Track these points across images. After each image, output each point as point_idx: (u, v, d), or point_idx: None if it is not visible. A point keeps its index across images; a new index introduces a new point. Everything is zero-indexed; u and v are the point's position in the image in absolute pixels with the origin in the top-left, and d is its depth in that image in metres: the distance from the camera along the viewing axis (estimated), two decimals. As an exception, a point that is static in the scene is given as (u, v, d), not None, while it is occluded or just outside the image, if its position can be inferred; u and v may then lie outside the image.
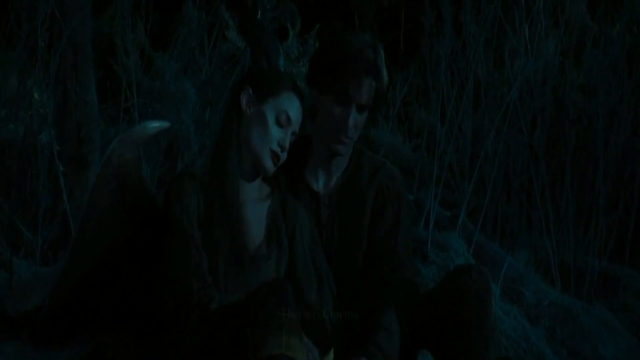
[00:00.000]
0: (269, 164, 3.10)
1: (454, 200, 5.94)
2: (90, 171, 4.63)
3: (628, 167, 5.91)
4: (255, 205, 3.14)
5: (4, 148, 5.09)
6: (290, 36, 6.78)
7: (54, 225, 4.66)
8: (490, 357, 2.99)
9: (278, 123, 3.10)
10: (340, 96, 3.18)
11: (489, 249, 5.21)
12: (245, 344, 2.75)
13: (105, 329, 3.06)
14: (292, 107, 3.13)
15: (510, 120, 5.50)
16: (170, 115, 5.31)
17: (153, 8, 5.78)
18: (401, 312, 3.09)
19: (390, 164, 3.34)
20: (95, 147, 4.71)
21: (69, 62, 4.66)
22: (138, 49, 5.33)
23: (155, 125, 3.11)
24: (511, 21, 5.76)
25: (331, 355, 3.01)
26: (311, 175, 3.28)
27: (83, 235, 3.03)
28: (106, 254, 3.03)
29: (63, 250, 4.51)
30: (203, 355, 2.85)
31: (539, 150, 5.71)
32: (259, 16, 3.41)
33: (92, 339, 3.04)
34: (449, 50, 5.64)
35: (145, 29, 5.68)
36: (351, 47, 3.20)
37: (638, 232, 5.79)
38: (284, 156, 3.11)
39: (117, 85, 5.20)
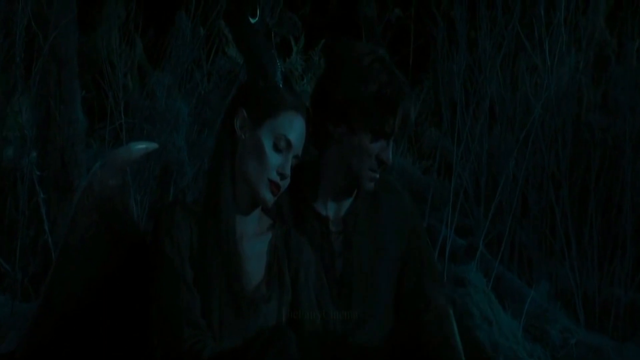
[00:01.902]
0: (267, 196, 2.90)
1: (468, 226, 5.89)
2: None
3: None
4: (254, 240, 2.96)
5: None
6: (294, 52, 6.80)
7: (35, 258, 4.59)
8: None
9: (276, 149, 2.91)
10: (379, 131, 3.02)
11: (509, 282, 5.14)
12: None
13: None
14: (292, 130, 2.92)
15: (529, 142, 5.44)
16: (162, 137, 5.19)
17: (144, 20, 5.74)
18: None
19: (399, 187, 3.23)
20: (82, 172, 4.63)
21: (53, 78, 4.59)
22: (127, 63, 5.13)
23: (141, 147, 2.96)
24: (526, 32, 5.73)
25: None
26: (320, 204, 3.12)
27: (61, 270, 2.91)
28: (87, 292, 2.90)
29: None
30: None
31: (560, 173, 5.66)
32: (254, 20, 3.11)
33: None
34: (463, 67, 5.58)
35: (135, 38, 5.51)
36: (397, 76, 3.04)
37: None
38: (284, 184, 2.92)
39: (107, 104, 5.16)
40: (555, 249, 5.65)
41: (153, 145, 2.99)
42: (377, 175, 3.05)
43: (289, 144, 2.89)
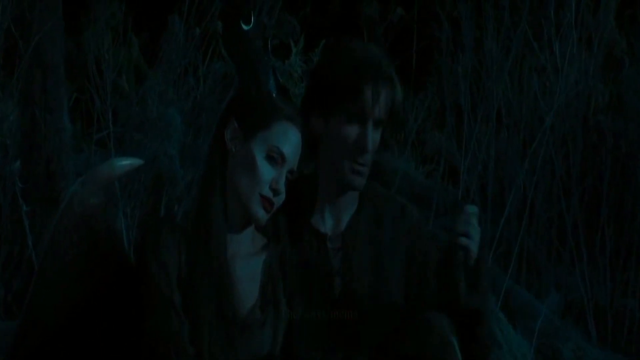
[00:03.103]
0: (260, 213, 2.79)
1: (473, 232, 5.74)
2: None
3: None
4: (247, 260, 2.86)
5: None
6: (293, 54, 6.68)
7: (19, 274, 4.56)
8: None
9: (269, 161, 2.81)
10: (354, 113, 2.90)
11: (517, 295, 5.06)
12: None
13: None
14: (287, 142, 2.82)
15: (540, 150, 5.43)
16: (154, 145, 5.14)
17: (137, 24, 5.75)
18: None
19: (407, 203, 3.10)
20: (69, 183, 4.55)
21: (37, 84, 4.53)
22: (115, 69, 5.07)
23: (125, 163, 2.89)
24: (534, 33, 5.71)
25: None
26: (318, 219, 3.01)
27: (40, 293, 2.85)
28: (69, 314, 2.83)
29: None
30: None
31: (570, 179, 5.61)
32: (248, 27, 3.00)
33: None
34: (469, 69, 5.57)
35: (124, 40, 5.56)
36: (360, 55, 2.94)
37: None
38: (278, 200, 2.81)
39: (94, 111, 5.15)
40: (565, 258, 5.58)
41: (137, 162, 2.91)
42: (362, 168, 2.91)
43: (282, 156, 2.79)
